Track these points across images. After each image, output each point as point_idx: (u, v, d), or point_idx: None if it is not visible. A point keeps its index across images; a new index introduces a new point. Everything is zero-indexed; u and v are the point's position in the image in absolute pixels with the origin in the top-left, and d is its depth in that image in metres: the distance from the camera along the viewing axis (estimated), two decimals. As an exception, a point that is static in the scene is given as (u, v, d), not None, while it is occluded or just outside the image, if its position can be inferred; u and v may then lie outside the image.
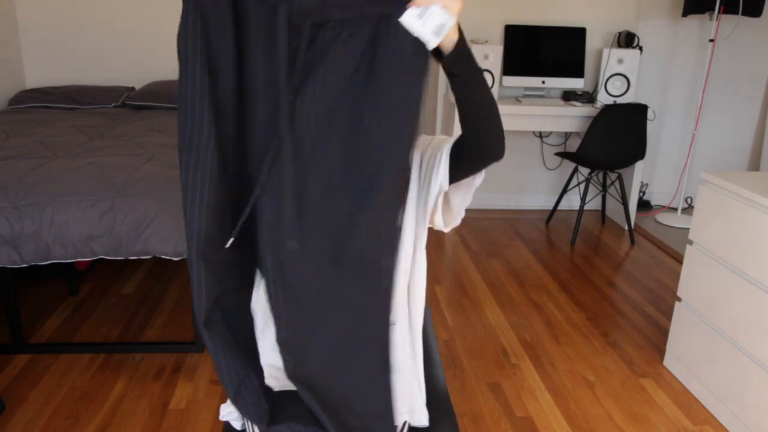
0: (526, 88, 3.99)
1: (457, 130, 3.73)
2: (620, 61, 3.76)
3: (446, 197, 1.17)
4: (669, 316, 2.73)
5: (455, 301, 2.90)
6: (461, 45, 0.96)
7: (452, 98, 3.75)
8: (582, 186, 3.84)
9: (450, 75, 1.01)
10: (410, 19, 0.90)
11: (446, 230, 1.21)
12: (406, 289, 1.19)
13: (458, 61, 0.98)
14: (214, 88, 0.91)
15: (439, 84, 4.01)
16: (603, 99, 3.81)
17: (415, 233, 1.16)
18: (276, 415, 1.07)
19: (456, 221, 1.22)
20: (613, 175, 3.93)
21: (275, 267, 0.98)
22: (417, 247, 1.18)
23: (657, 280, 3.23)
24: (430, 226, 1.20)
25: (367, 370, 1.02)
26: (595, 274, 3.28)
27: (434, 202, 1.14)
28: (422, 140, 1.19)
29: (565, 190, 3.93)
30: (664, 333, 2.62)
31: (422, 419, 1.23)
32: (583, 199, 3.69)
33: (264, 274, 1.04)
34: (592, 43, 3.97)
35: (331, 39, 0.91)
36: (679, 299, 2.34)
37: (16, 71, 3.75)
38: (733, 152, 4.32)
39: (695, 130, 3.97)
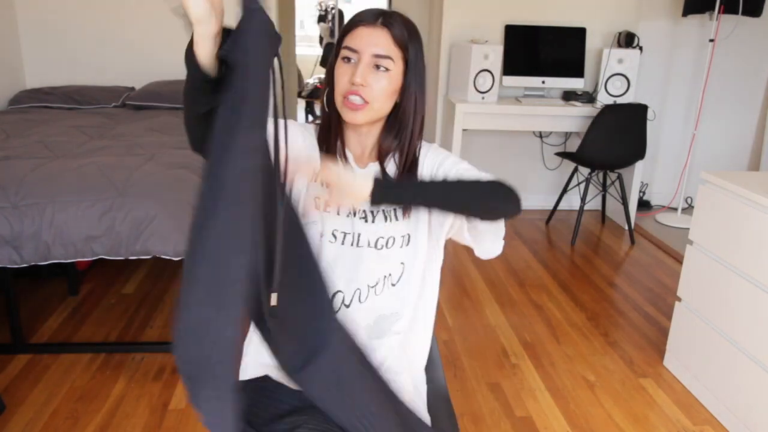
0: (526, 88, 3.98)
1: (458, 134, 3.73)
2: (620, 61, 3.76)
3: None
4: (669, 316, 2.73)
5: (455, 301, 2.90)
6: (378, 189, 1.02)
7: (453, 99, 3.76)
8: (582, 186, 3.84)
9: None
10: None
11: (483, 257, 1.24)
12: (414, 298, 1.21)
13: (388, 197, 1.05)
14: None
15: (439, 84, 4.02)
16: (603, 99, 3.81)
17: (427, 251, 1.20)
18: None
19: (490, 253, 1.23)
20: (613, 175, 3.93)
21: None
22: (428, 263, 1.22)
23: (657, 280, 3.23)
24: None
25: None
26: (595, 274, 3.28)
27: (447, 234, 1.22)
28: (433, 156, 1.21)
29: (565, 190, 3.93)
30: (664, 333, 2.62)
31: (423, 417, 1.23)
32: (583, 199, 3.69)
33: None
34: (592, 43, 3.97)
35: None
36: (679, 299, 2.34)
37: (16, 71, 3.75)
38: (733, 152, 4.32)
39: (695, 130, 3.96)
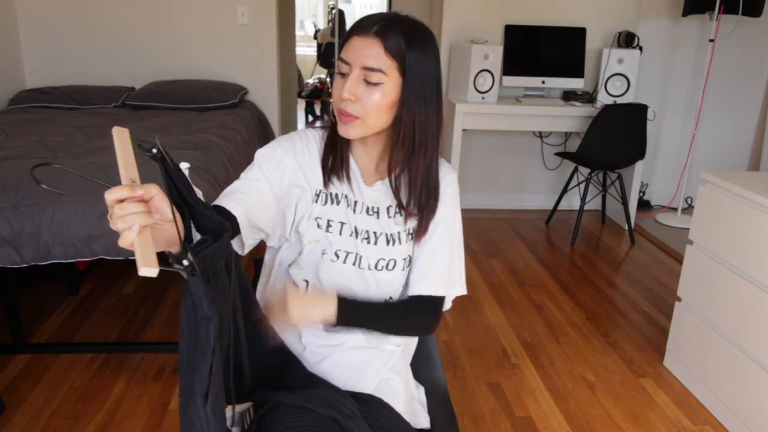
0: (526, 88, 3.98)
1: (458, 134, 3.73)
2: (620, 61, 3.76)
3: None
4: (669, 316, 2.73)
5: (455, 301, 2.88)
6: (342, 312, 1.07)
7: (453, 99, 3.76)
8: (582, 186, 3.84)
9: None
10: None
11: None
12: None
13: (352, 321, 1.11)
14: None
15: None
16: (603, 99, 3.81)
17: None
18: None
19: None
20: (613, 175, 3.93)
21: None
22: None
23: (657, 280, 3.23)
24: None
25: None
26: (595, 274, 3.28)
27: None
28: (452, 194, 1.20)
29: (565, 190, 3.93)
30: (664, 333, 2.62)
31: (422, 421, 1.23)
32: (583, 199, 3.69)
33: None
34: (592, 43, 3.97)
35: None
36: (679, 299, 2.34)
37: (16, 71, 3.75)
38: (733, 152, 4.32)
39: (695, 130, 3.96)
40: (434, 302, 1.19)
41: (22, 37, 3.76)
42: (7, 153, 2.40)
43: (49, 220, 2.04)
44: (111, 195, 0.74)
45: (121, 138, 0.81)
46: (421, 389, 1.29)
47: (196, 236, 0.86)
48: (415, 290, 1.18)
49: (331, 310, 1.06)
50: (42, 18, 3.74)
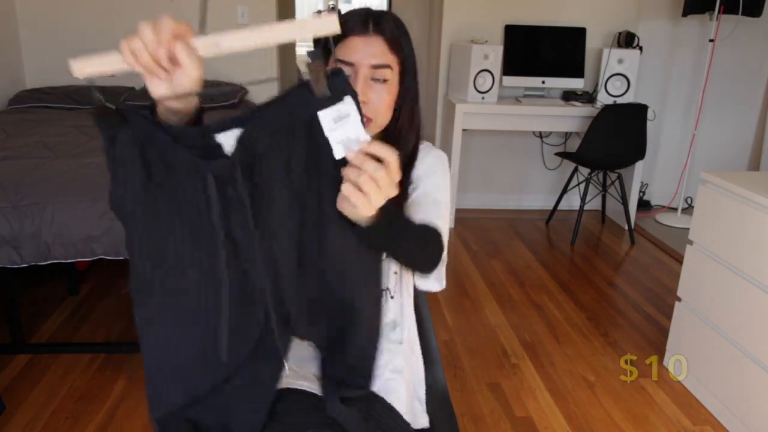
0: (526, 88, 3.98)
1: (458, 134, 3.73)
2: (620, 61, 3.76)
3: None
4: (669, 316, 2.73)
5: (455, 301, 2.90)
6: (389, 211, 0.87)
7: (453, 99, 3.76)
8: (582, 186, 3.84)
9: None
10: (325, 120, 0.82)
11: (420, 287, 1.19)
12: (410, 308, 1.21)
13: (390, 225, 0.90)
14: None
15: (440, 84, 4.01)
16: (603, 99, 3.81)
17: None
18: None
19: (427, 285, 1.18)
20: (613, 175, 3.93)
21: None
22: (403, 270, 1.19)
23: (657, 280, 3.23)
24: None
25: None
26: (595, 274, 3.28)
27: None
28: (432, 161, 1.15)
29: (565, 190, 3.93)
30: (664, 333, 2.62)
31: (422, 421, 1.23)
32: (583, 199, 3.69)
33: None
34: (592, 43, 3.97)
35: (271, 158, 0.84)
36: (679, 299, 2.34)
37: (16, 71, 3.75)
38: (733, 152, 4.32)
39: (695, 130, 3.96)
40: (438, 233, 1.06)
41: (22, 37, 3.76)
42: (7, 153, 2.41)
43: (49, 220, 2.05)
44: (167, 22, 0.74)
45: (316, 22, 0.78)
46: (422, 389, 1.29)
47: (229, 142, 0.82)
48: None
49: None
50: (42, 18, 3.74)
